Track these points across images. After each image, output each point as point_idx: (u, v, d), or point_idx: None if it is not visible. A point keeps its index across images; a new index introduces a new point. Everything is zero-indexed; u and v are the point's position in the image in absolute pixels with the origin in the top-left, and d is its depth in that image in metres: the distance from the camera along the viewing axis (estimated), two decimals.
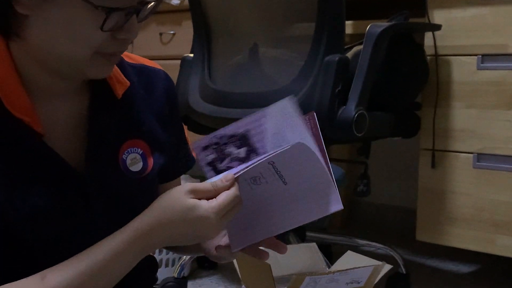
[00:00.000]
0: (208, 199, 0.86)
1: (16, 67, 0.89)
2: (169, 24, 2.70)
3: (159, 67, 1.10)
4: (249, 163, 0.86)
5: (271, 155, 0.84)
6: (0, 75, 0.88)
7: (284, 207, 0.89)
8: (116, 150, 0.98)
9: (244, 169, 0.86)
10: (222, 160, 0.93)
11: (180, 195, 0.86)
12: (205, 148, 0.94)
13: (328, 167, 0.88)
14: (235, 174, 0.86)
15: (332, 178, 0.87)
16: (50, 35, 0.85)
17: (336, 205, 0.88)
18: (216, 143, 0.93)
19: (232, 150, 0.92)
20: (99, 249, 0.87)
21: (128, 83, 1.00)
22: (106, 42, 0.86)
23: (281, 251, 0.99)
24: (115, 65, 0.99)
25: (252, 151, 0.91)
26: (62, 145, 0.93)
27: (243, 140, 0.92)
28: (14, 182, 0.89)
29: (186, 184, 0.88)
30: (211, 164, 0.94)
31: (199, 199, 0.86)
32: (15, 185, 0.89)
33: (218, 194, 0.86)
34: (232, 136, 0.92)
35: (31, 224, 0.89)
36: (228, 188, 0.86)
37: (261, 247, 0.99)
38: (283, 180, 0.86)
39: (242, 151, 0.91)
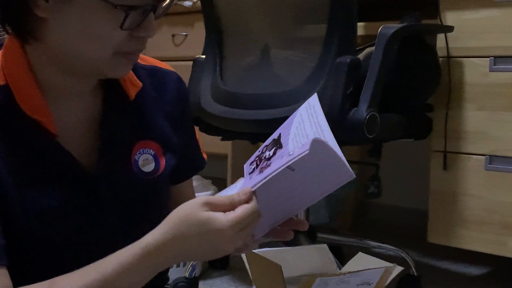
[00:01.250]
0: (224, 212, 0.82)
1: (31, 68, 0.90)
2: (181, 25, 2.70)
3: (171, 68, 1.10)
4: (266, 173, 0.84)
5: (289, 162, 0.83)
6: (15, 76, 0.89)
7: (297, 189, 0.87)
8: (129, 150, 0.99)
9: (261, 181, 0.83)
10: (258, 167, 0.90)
11: (194, 208, 0.82)
12: (251, 163, 0.92)
13: (334, 141, 0.85)
14: (252, 187, 0.83)
15: (339, 151, 0.84)
16: (69, 36, 0.86)
17: (348, 175, 0.86)
18: (257, 155, 0.92)
19: (266, 153, 0.91)
20: (108, 262, 0.83)
21: (140, 84, 1.01)
22: (125, 41, 0.87)
23: (303, 227, 0.95)
24: None
25: (278, 148, 0.90)
26: (75, 145, 0.94)
27: (275, 142, 0.91)
28: (26, 182, 0.89)
29: (200, 197, 0.84)
30: (250, 174, 0.90)
31: (215, 212, 0.82)
32: (27, 185, 0.89)
33: (235, 208, 0.82)
34: (269, 143, 0.92)
35: (42, 224, 0.90)
36: (245, 202, 0.82)
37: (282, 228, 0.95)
38: (290, 168, 0.84)
39: (272, 151, 0.90)
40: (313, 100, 0.93)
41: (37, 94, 0.90)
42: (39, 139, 0.90)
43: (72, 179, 0.93)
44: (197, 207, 0.82)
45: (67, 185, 0.92)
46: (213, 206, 0.82)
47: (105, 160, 0.96)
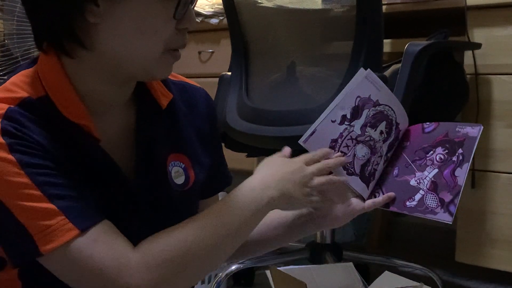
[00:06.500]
0: None
1: (70, 80, 0.92)
2: (207, 42, 2.72)
3: (198, 85, 1.12)
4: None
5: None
6: (55, 87, 0.91)
7: None
8: (164, 161, 1.01)
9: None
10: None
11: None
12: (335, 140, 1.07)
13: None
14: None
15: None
16: (121, 38, 0.88)
17: None
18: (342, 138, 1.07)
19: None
20: (208, 210, 0.94)
21: (171, 95, 1.03)
22: (173, 35, 0.90)
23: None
24: (159, 81, 1.02)
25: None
26: (114, 154, 0.95)
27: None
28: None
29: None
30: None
31: None
32: None
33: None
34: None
35: None
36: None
37: None
38: None
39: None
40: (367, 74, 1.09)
41: (78, 102, 0.91)
42: (83, 143, 0.92)
43: (113, 185, 0.95)
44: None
45: (109, 190, 0.94)
46: None
47: (143, 169, 0.98)
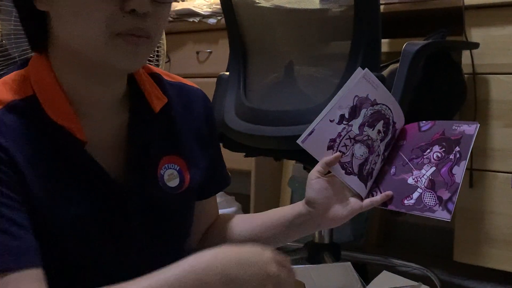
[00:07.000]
0: None
1: (57, 79, 0.91)
2: (206, 42, 2.72)
3: (196, 86, 1.11)
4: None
5: None
6: (42, 85, 0.90)
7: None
8: (155, 164, 1.00)
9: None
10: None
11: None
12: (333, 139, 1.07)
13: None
14: None
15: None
16: (66, 23, 0.87)
17: None
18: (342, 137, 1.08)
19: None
20: (148, 279, 0.81)
21: (166, 99, 1.02)
22: (116, 16, 0.85)
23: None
24: (154, 83, 1.01)
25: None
26: (102, 157, 0.94)
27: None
28: (56, 191, 0.89)
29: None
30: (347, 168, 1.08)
31: None
32: (56, 194, 0.89)
33: None
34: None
35: (71, 233, 0.90)
36: None
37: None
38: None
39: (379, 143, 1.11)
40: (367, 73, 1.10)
41: (64, 102, 0.90)
42: (68, 147, 0.91)
43: (100, 189, 0.93)
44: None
45: (96, 195, 0.93)
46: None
47: (133, 173, 0.97)
